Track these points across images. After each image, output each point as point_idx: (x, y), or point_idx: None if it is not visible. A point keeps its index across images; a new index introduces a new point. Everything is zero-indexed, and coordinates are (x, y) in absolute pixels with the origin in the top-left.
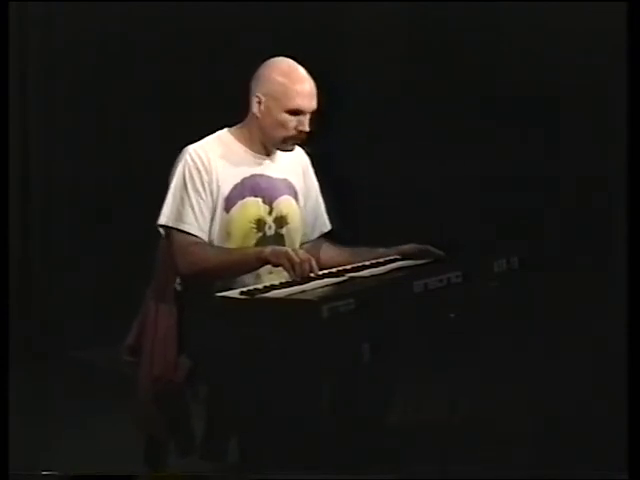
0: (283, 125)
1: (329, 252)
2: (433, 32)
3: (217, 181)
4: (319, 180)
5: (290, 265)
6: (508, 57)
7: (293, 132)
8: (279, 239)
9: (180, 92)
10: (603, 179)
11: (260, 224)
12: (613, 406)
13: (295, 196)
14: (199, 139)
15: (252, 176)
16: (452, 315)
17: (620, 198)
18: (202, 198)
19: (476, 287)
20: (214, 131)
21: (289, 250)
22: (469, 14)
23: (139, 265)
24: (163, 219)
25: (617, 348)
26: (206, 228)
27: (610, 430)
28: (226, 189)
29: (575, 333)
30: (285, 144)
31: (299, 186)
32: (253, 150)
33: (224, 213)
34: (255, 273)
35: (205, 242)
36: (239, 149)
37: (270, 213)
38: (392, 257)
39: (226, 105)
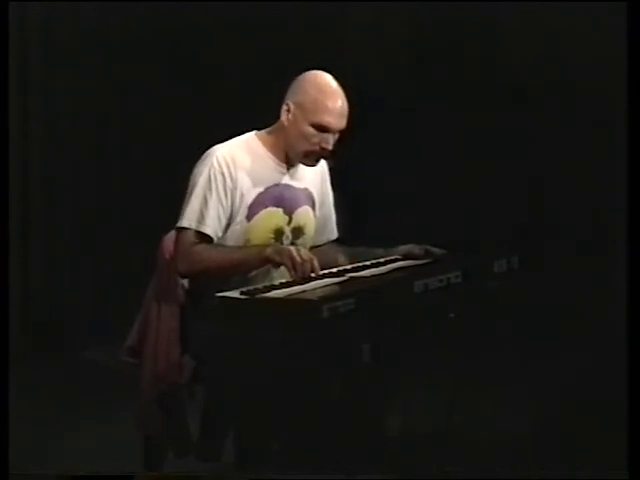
0: (306, 138)
1: (330, 252)
2: (440, 37)
3: (241, 189)
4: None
5: (292, 264)
6: (509, 58)
7: (315, 147)
8: None
9: (181, 92)
10: (603, 179)
11: (278, 234)
12: (613, 406)
13: (313, 206)
14: (200, 141)
15: (276, 185)
16: (452, 315)
17: (620, 198)
18: (222, 205)
19: (476, 287)
20: (213, 133)
21: (291, 249)
22: (469, 14)
23: (139, 265)
24: (185, 222)
25: (617, 348)
26: (220, 234)
27: (610, 430)
28: (249, 198)
29: (575, 333)
30: (307, 158)
31: (317, 195)
32: (279, 158)
33: (245, 221)
34: (267, 275)
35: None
36: (265, 156)
37: (289, 223)
38: (392, 257)
39: (227, 106)
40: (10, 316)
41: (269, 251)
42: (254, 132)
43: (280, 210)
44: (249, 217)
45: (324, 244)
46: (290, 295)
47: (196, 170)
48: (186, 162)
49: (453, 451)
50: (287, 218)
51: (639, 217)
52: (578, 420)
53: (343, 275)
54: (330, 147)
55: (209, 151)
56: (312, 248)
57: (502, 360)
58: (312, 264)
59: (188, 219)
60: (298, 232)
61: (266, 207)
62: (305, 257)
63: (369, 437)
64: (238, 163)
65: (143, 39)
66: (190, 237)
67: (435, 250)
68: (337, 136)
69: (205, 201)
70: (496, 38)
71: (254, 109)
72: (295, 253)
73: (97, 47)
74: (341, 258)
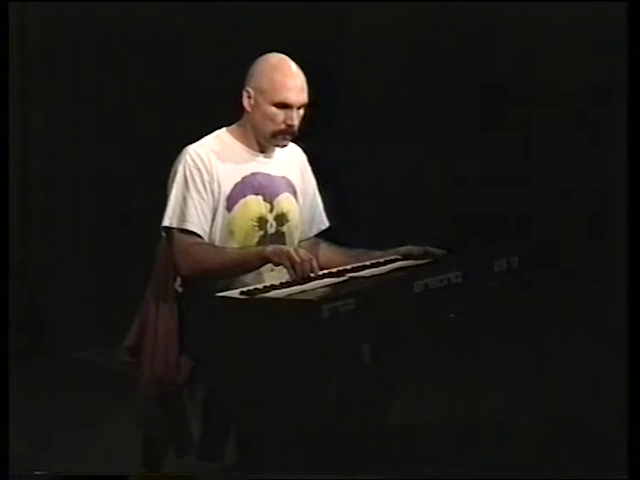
0: (271, 119)
1: (328, 252)
2: (433, 30)
3: (218, 180)
4: (318, 178)
5: (291, 264)
6: (508, 58)
7: (282, 126)
8: (280, 237)
9: (181, 91)
10: (603, 178)
11: (262, 222)
12: (613, 406)
13: (294, 193)
14: (199, 139)
15: (252, 174)
16: (452, 315)
17: (620, 198)
18: (203, 198)
19: (476, 287)
20: (212, 130)
21: (290, 249)
22: (468, 13)
23: (139, 265)
24: (167, 221)
25: (617, 348)
26: (207, 228)
27: (610, 430)
28: (227, 188)
29: (575, 333)
30: (275, 139)
31: (297, 183)
32: (251, 148)
33: (226, 212)
34: (257, 272)
35: (206, 242)
36: (238, 147)
37: (271, 211)
38: (392, 257)
39: (226, 104)
40: (10, 316)
41: (268, 251)
42: (224, 128)
43: (260, 198)
44: (229, 208)
45: (316, 236)
46: (290, 295)
47: (173, 170)
48: None
49: (453, 451)
50: (268, 206)
51: (639, 217)
52: (578, 420)
53: (343, 275)
54: (295, 123)
55: (183, 150)
56: (304, 241)
57: (502, 360)
58: (311, 264)
59: (169, 218)
60: (281, 219)
61: (245, 196)
62: (304, 257)
63: (369, 437)
64: (212, 156)
65: (143, 39)
66: (182, 238)
67: (435, 250)
68: (301, 112)
69: (184, 198)
70: (496, 38)
71: None
72: (294, 253)
73: (97, 47)
74: (340, 258)
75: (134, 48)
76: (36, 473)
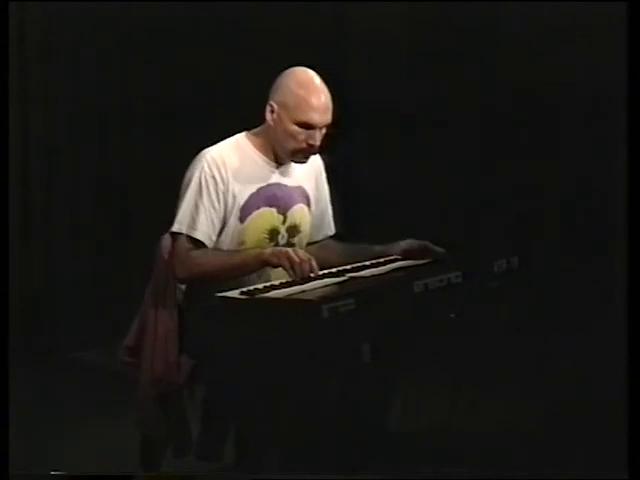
0: (293, 137)
1: (329, 251)
2: (433, 30)
3: (233, 191)
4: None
5: (290, 265)
6: (508, 58)
7: (302, 145)
8: (290, 247)
9: (181, 91)
10: (603, 180)
11: (273, 234)
12: (613, 406)
13: (308, 203)
14: (200, 141)
15: (268, 185)
16: (452, 315)
17: (620, 198)
18: (215, 208)
19: (476, 287)
20: (212, 131)
21: (289, 250)
22: (468, 13)
23: (139, 265)
24: (176, 226)
25: (617, 348)
26: (215, 237)
27: (610, 430)
28: (242, 199)
29: (575, 333)
30: (295, 156)
31: (312, 192)
32: (269, 158)
33: (238, 223)
34: (264, 278)
35: (206, 247)
36: (256, 156)
37: (284, 222)
38: (392, 257)
39: (227, 106)
40: (10, 316)
41: (267, 253)
42: (244, 133)
43: (274, 210)
44: (242, 218)
45: (322, 240)
46: (290, 295)
47: (188, 174)
48: (186, 162)
49: (453, 451)
50: (281, 217)
51: (639, 217)
52: (578, 420)
53: (343, 275)
54: (317, 143)
55: (199, 154)
56: (310, 244)
57: (502, 360)
58: (310, 264)
59: (179, 224)
60: (294, 231)
61: (259, 208)
62: (303, 257)
63: (369, 437)
64: (229, 165)
65: (143, 39)
66: (185, 242)
67: (434, 247)
68: (323, 131)
69: (196, 206)
70: (496, 38)
71: (254, 109)
72: (293, 254)
73: (97, 47)
74: (340, 255)
75: (134, 48)
76: (36, 473)
